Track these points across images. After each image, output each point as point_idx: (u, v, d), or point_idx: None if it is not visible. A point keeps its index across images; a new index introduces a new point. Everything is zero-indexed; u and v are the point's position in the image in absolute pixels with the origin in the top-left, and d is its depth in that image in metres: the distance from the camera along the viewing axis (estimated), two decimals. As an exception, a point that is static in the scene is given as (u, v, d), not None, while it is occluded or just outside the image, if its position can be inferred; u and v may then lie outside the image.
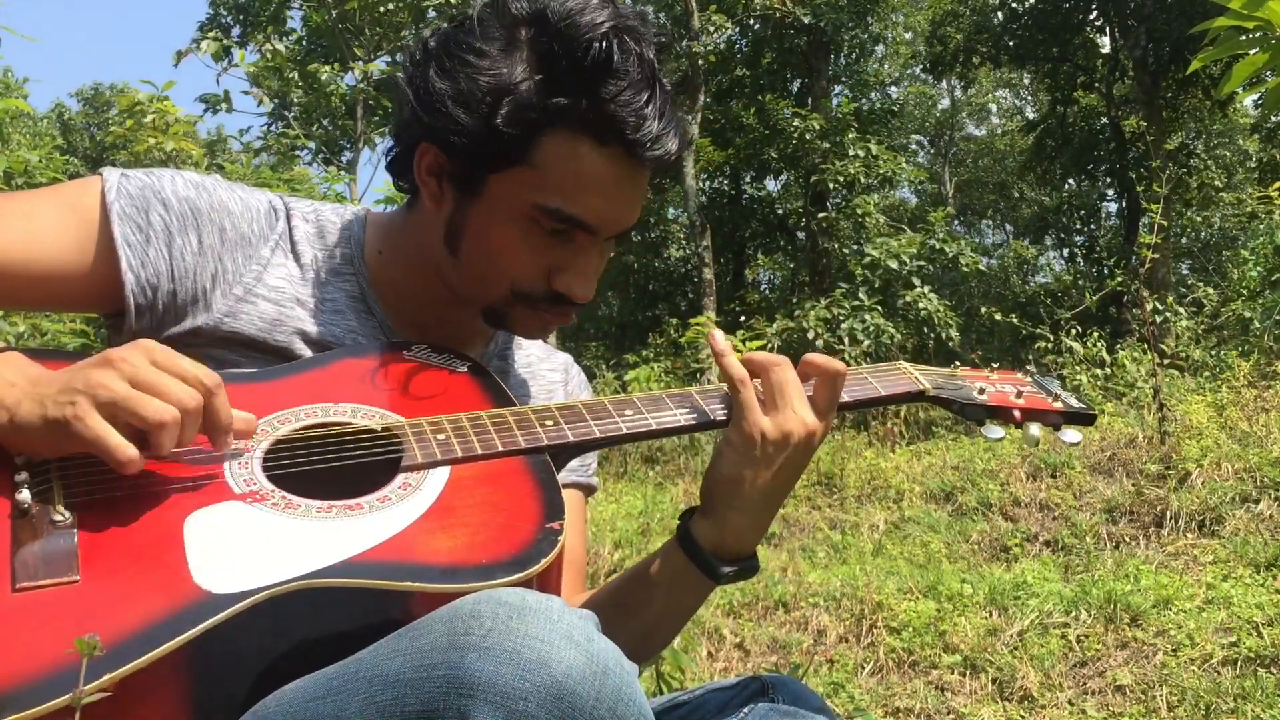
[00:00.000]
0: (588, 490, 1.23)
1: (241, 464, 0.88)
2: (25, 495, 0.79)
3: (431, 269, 1.07)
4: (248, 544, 0.80)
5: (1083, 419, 1.14)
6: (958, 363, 1.24)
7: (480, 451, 0.92)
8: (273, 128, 9.97)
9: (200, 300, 1.00)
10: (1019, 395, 1.13)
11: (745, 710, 1.02)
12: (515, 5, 0.97)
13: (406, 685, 0.66)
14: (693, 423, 1.02)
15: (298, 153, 8.26)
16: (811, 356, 1.02)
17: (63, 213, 0.97)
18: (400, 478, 0.89)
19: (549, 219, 0.97)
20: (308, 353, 1.03)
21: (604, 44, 0.92)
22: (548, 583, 0.82)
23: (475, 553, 0.80)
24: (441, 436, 0.93)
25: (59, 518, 0.78)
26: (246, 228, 1.04)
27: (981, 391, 1.12)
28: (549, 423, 0.97)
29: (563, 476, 1.17)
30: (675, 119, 0.99)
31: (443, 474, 0.89)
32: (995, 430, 1.11)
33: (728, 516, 1.00)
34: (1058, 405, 1.13)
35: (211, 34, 7.74)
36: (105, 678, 0.67)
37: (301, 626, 0.76)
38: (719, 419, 1.02)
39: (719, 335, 1.03)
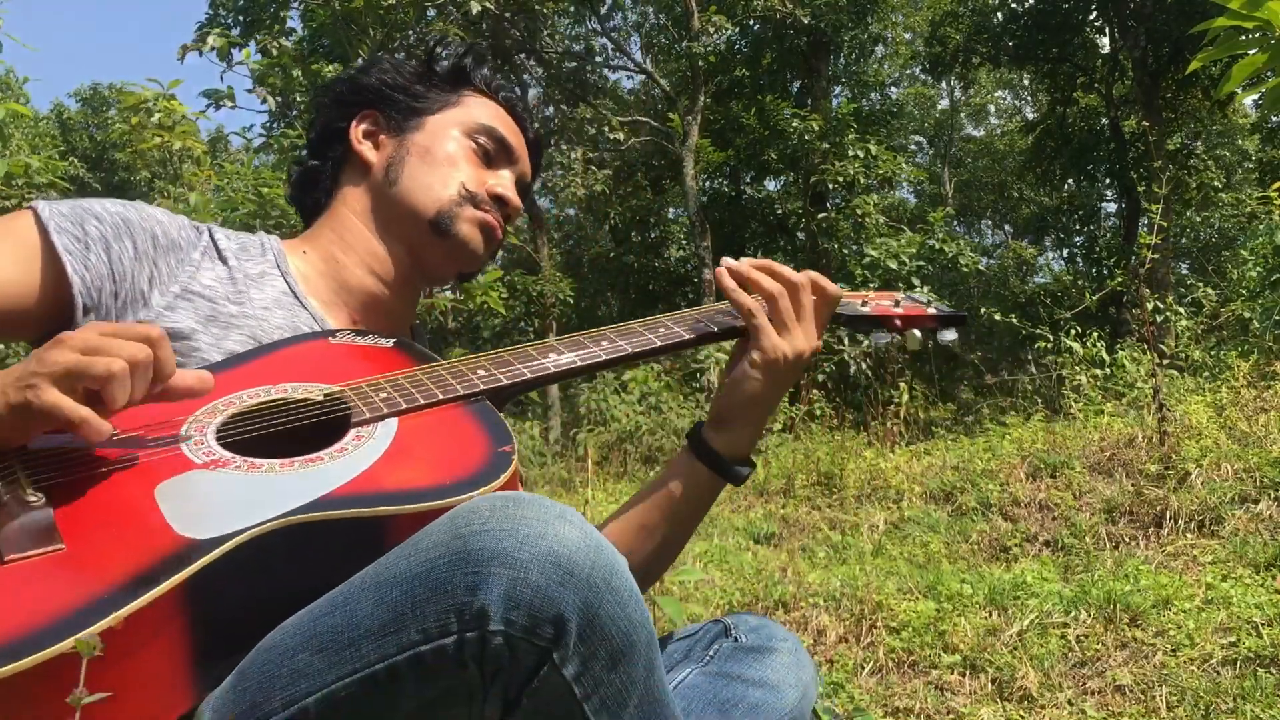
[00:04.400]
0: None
1: (196, 442, 0.91)
2: None
3: (366, 241, 1.21)
4: (221, 498, 0.83)
5: (954, 320, 1.30)
6: (843, 285, 1.38)
7: (422, 402, 0.97)
8: (274, 127, 9.98)
9: (140, 300, 1.06)
10: (897, 305, 1.28)
11: (710, 652, 1.06)
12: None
13: (414, 579, 0.69)
14: (612, 357, 1.11)
15: (299, 153, 8.26)
16: (814, 276, 1.16)
17: (2, 242, 1.02)
18: (352, 432, 0.93)
19: (483, 135, 1.25)
20: (242, 346, 1.08)
21: (480, 63, 1.32)
22: None
23: (439, 475, 0.86)
24: (383, 395, 0.98)
25: (31, 498, 0.80)
26: (176, 234, 1.11)
27: (864, 304, 1.27)
28: (480, 371, 1.04)
29: None
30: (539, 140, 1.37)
31: (391, 424, 0.95)
32: (882, 336, 1.26)
33: (744, 429, 1.13)
34: (932, 310, 1.29)
35: (216, 31, 7.73)
36: (99, 624, 0.68)
37: (289, 565, 0.79)
38: (636, 351, 1.12)
39: (728, 267, 1.16)
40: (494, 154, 1.26)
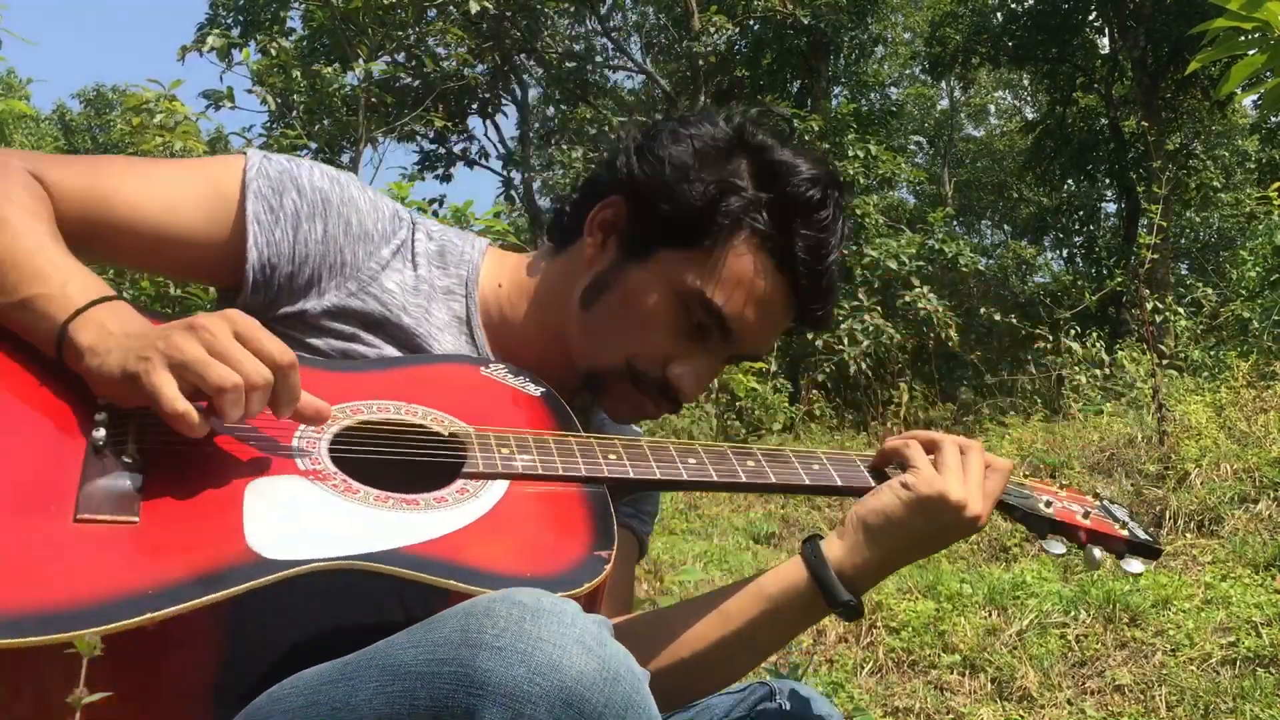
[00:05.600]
0: (640, 542, 1.22)
1: (310, 443, 0.90)
2: (101, 434, 0.81)
3: (551, 317, 1.10)
4: (303, 517, 0.81)
5: (1148, 551, 1.14)
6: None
7: (541, 471, 0.92)
8: (274, 128, 9.97)
9: (315, 287, 1.03)
10: (1085, 515, 1.13)
11: (753, 714, 1.02)
12: (749, 132, 1.05)
13: (417, 678, 0.66)
14: (751, 483, 1.02)
15: (299, 153, 8.26)
16: (986, 453, 1.06)
17: (203, 185, 1.02)
18: (459, 483, 0.89)
19: (700, 308, 1.02)
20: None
21: (819, 190, 1.02)
22: (588, 609, 0.82)
23: (522, 564, 0.81)
24: (505, 450, 0.94)
25: (129, 460, 0.80)
26: (371, 225, 1.06)
27: (1048, 505, 1.12)
28: (612, 456, 0.97)
29: (619, 516, 1.18)
30: (836, 293, 1.08)
31: (500, 487, 0.90)
32: (1057, 546, 1.11)
33: (863, 545, 0.99)
34: (1124, 533, 1.13)
35: (215, 31, 7.73)
36: (145, 616, 0.68)
37: (340, 606, 0.78)
38: (779, 483, 1.02)
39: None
40: (708, 329, 1.04)
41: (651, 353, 1.04)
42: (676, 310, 1.03)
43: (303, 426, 0.90)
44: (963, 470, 1.01)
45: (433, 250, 1.11)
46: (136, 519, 0.77)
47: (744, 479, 1.01)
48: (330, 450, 0.90)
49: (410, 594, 0.77)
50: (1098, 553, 1.12)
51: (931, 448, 1.04)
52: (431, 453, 0.93)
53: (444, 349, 1.07)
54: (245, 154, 1.04)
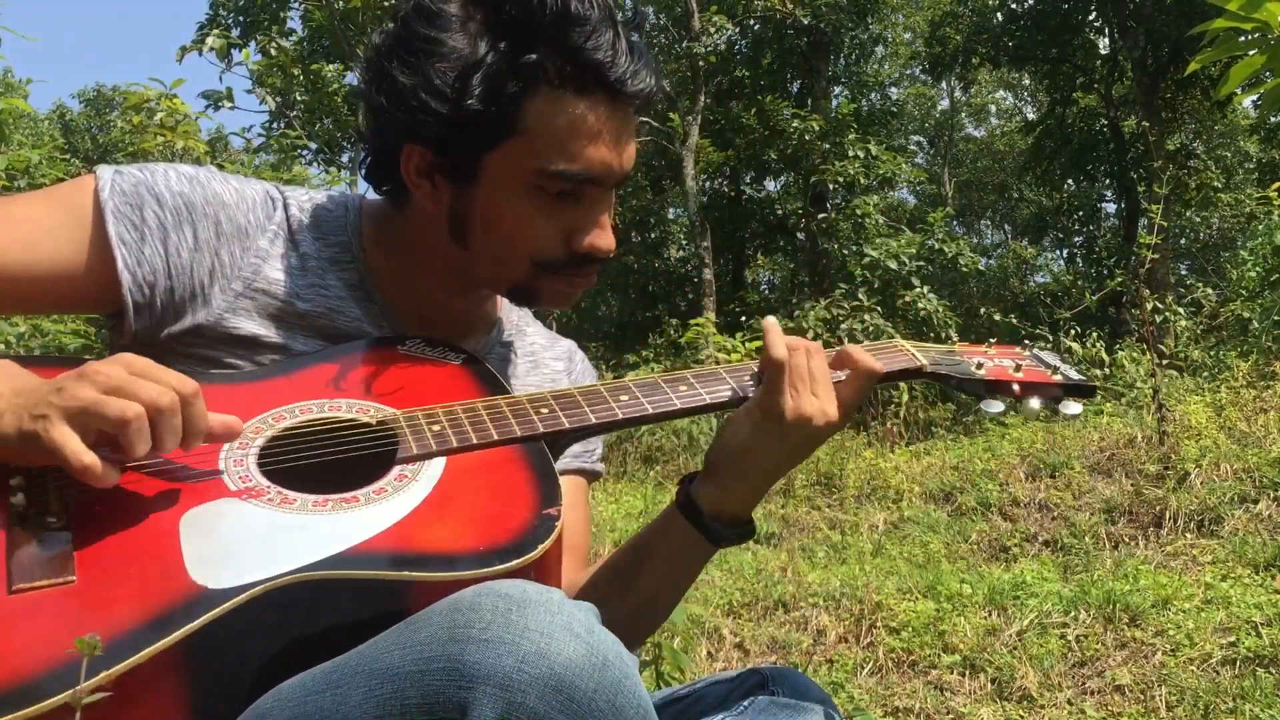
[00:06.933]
0: (591, 476, 1.23)
1: (237, 461, 0.87)
2: (20, 499, 0.79)
3: (436, 262, 1.07)
4: (244, 539, 0.79)
5: (1082, 391, 1.14)
6: (955, 337, 1.25)
7: (475, 441, 0.92)
8: (274, 127, 9.98)
9: (199, 296, 0.99)
10: (1017, 369, 1.14)
11: (745, 703, 1.02)
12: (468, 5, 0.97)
13: (406, 678, 0.66)
14: (688, 407, 1.03)
15: (299, 153, 8.27)
16: (852, 350, 1.04)
17: (59, 214, 0.96)
18: (396, 470, 0.89)
19: (554, 182, 0.97)
20: (309, 346, 1.03)
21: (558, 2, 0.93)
22: (546, 569, 0.81)
23: (473, 540, 0.80)
24: (436, 428, 0.93)
25: (52, 520, 0.78)
26: (243, 219, 1.02)
27: (979, 366, 1.13)
28: (544, 410, 0.97)
29: (564, 463, 1.17)
30: (645, 54, 0.99)
31: (439, 465, 0.89)
32: (994, 405, 1.12)
33: (731, 484, 1.02)
34: (1057, 378, 1.14)
35: (215, 31, 7.75)
36: (102, 675, 0.66)
37: (300, 620, 0.76)
38: (715, 402, 1.03)
39: (772, 320, 1.06)
40: (574, 190, 0.98)
41: (547, 243, 1.01)
42: (538, 198, 0.98)
43: (227, 446, 0.88)
44: (810, 381, 1.00)
45: (307, 223, 1.06)
46: (73, 578, 0.74)
47: (679, 405, 1.02)
48: (260, 463, 0.88)
49: (369, 592, 0.76)
50: (1035, 403, 1.12)
51: (792, 349, 1.02)
52: (364, 445, 0.92)
53: (350, 320, 1.05)
54: (95, 172, 0.98)
